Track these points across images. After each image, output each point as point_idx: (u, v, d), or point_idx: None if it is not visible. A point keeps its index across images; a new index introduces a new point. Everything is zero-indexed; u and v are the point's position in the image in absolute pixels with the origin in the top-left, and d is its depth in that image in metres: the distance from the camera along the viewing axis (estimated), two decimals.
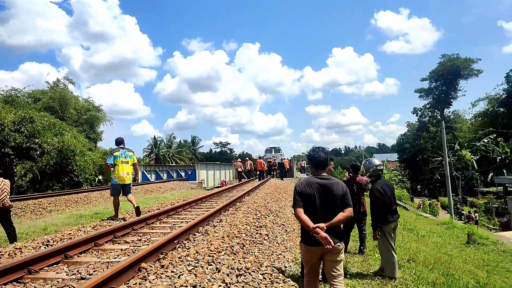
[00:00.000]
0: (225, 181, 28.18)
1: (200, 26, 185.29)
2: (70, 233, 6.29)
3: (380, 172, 5.57)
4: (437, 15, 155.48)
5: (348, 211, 3.33)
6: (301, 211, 3.32)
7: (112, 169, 8.24)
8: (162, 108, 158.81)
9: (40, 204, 12.63)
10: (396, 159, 55.30)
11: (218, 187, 25.77)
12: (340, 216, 3.30)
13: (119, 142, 8.54)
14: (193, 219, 7.28)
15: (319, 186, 3.36)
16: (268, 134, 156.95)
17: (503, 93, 42.23)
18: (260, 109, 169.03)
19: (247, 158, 30.43)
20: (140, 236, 6.08)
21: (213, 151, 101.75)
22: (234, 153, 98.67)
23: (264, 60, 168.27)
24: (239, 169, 26.58)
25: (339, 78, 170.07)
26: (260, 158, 28.59)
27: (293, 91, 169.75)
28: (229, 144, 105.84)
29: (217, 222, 7.20)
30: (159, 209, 9.50)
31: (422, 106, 51.88)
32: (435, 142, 44.64)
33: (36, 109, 28.94)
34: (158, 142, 65.55)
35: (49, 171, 24.57)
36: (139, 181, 29.58)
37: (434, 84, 50.82)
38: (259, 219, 8.06)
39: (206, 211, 8.95)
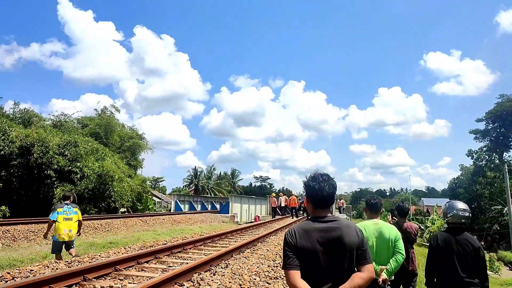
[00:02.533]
0: (259, 217, 26.91)
1: (248, 63, 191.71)
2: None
3: (463, 221, 3.72)
4: (491, 57, 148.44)
5: (368, 270, 2.15)
6: (296, 275, 2.11)
7: (53, 225, 7.49)
8: (207, 140, 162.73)
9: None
10: None
11: (251, 222, 24.60)
12: (357, 279, 2.11)
13: (66, 197, 8.01)
14: (194, 260, 6.26)
15: (322, 234, 2.15)
16: (310, 171, 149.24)
17: None
18: (303, 145, 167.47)
19: (281, 193, 29.10)
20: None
21: (252, 185, 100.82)
22: (273, 188, 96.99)
23: (309, 97, 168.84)
24: (273, 205, 25.29)
25: (385, 118, 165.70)
26: (292, 194, 27.18)
27: (337, 129, 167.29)
28: (269, 178, 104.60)
29: (221, 267, 6.12)
30: (165, 243, 8.58)
31: (478, 149, 47.89)
32: (493, 188, 40.56)
33: (83, 134, 30.05)
34: (199, 173, 65.98)
35: (87, 195, 24.86)
36: (172, 211, 29.29)
37: (491, 125, 47.00)
38: (276, 267, 6.81)
39: (218, 250, 7.91)
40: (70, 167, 23.79)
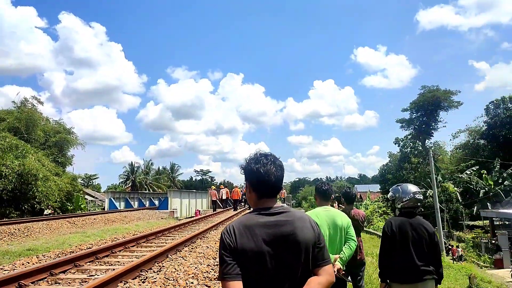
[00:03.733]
0: (199, 211, 26.23)
1: (186, 54, 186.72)
2: None
3: (419, 204, 3.56)
4: (412, 52, 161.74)
5: (327, 273, 1.75)
6: (236, 286, 1.64)
7: None
8: (144, 135, 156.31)
9: None
10: (379, 190, 54.31)
11: (192, 217, 23.91)
12: (315, 285, 1.70)
13: None
14: (122, 265, 5.59)
15: (269, 230, 1.69)
16: None
17: (483, 125, 42.35)
18: (243, 138, 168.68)
19: (222, 186, 28.71)
20: None
21: (193, 179, 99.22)
22: (215, 181, 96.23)
23: (248, 90, 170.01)
24: (213, 198, 24.82)
25: (320, 110, 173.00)
26: (235, 186, 26.99)
27: (275, 121, 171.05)
28: (210, 172, 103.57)
29: (153, 272, 5.53)
30: (90, 247, 7.73)
31: (404, 137, 51.65)
32: (417, 173, 44.06)
33: None
34: (135, 169, 62.99)
35: (6, 196, 22.42)
36: (106, 209, 27.47)
37: (415, 114, 50.92)
38: (216, 265, 6.27)
39: (152, 251, 7.26)
40: None
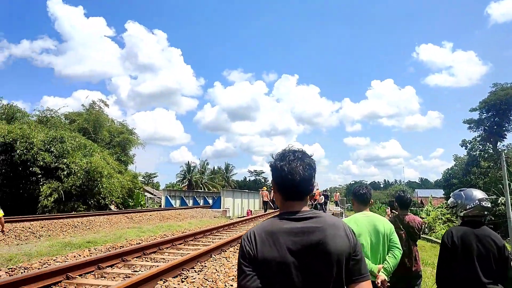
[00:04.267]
0: (251, 211, 26.42)
1: (241, 57, 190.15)
2: None
3: (486, 213, 3.04)
4: (482, 48, 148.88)
5: None
6: None
7: None
8: (201, 135, 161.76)
9: (44, 226, 11.66)
10: (442, 196, 50.61)
11: (243, 216, 24.14)
12: None
13: None
14: (166, 262, 5.66)
15: (295, 238, 1.48)
16: None
17: None
18: (297, 139, 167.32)
19: None
20: None
21: (247, 179, 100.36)
22: (268, 182, 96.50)
23: (302, 91, 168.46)
24: (265, 198, 24.80)
25: (378, 111, 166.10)
26: None
27: (331, 122, 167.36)
28: (263, 172, 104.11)
29: (195, 271, 5.53)
30: (139, 243, 7.98)
31: (472, 139, 47.57)
32: (487, 178, 40.37)
33: (70, 130, 29.30)
34: (192, 168, 65.27)
35: (75, 191, 24.28)
36: (162, 207, 28.70)
37: (485, 115, 46.64)
38: None
39: (198, 249, 7.32)
40: (56, 164, 23.16)
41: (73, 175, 23.53)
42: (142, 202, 34.32)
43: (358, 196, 3.39)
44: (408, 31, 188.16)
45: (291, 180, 1.52)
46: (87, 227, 12.90)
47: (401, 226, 4.29)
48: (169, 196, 28.70)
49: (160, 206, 30.26)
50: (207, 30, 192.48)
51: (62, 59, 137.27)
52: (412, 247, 4.29)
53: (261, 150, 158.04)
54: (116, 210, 24.68)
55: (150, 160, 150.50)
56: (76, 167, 23.68)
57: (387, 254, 3.15)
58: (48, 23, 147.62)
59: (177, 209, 24.79)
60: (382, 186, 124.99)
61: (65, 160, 23.66)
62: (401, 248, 3.20)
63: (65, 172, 23.44)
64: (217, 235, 10.49)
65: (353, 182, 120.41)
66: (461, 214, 3.08)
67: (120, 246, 7.84)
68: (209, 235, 10.37)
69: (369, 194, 3.42)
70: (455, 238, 2.91)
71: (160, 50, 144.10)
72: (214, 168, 74.80)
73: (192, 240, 9.19)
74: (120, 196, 29.51)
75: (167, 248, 7.70)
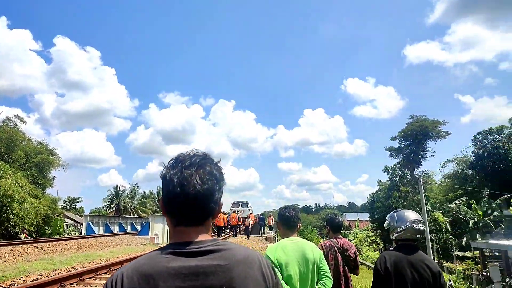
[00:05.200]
0: None
1: (178, 80, 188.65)
2: None
3: (419, 236, 2.80)
4: (400, 84, 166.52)
5: None
6: None
7: None
8: (133, 158, 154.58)
9: None
10: (368, 219, 53.57)
11: None
12: None
13: None
14: None
15: (182, 284, 1.01)
16: (240, 189, 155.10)
17: (471, 155, 42.60)
18: (233, 163, 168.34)
19: None
20: None
21: None
22: None
23: (239, 116, 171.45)
24: None
25: (310, 137, 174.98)
26: (223, 213, 26.07)
27: (265, 148, 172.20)
28: None
29: None
30: (37, 279, 6.88)
31: (393, 165, 51.64)
32: (406, 202, 43.75)
33: None
34: (120, 192, 61.36)
35: None
36: (83, 234, 26.20)
37: (403, 143, 51.05)
38: None
39: None
40: None
41: None
42: (61, 230, 31.13)
43: (285, 220, 3.03)
44: (338, 65, 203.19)
45: (181, 194, 1.07)
46: None
47: (335, 252, 4.08)
48: (92, 222, 26.31)
49: (81, 233, 27.62)
50: (144, 50, 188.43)
51: None
52: (347, 275, 4.08)
53: None
54: (26, 239, 21.92)
55: (75, 183, 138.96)
56: None
57: (317, 284, 2.82)
58: None
59: (99, 236, 22.73)
60: (313, 210, 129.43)
61: None
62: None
63: None
64: None
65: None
66: (393, 237, 2.89)
67: (10, 285, 6.62)
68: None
69: (297, 217, 3.06)
70: (388, 264, 2.67)
71: (92, 68, 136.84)
72: (145, 192, 71.29)
73: (106, 272, 8.18)
74: (34, 223, 26.49)
75: (71, 284, 6.66)
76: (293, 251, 2.79)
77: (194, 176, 1.09)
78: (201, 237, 1.10)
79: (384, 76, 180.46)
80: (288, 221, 3.02)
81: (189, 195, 1.07)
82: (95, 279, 7.28)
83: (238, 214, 27.17)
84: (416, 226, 2.75)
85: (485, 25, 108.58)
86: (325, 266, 2.90)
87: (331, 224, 4.33)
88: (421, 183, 23.99)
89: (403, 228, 2.77)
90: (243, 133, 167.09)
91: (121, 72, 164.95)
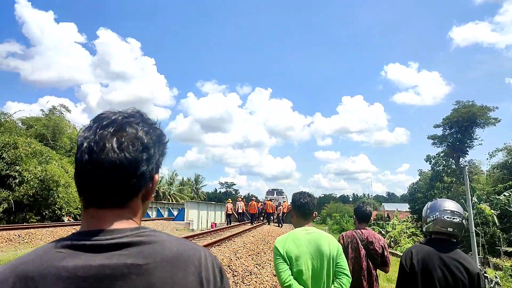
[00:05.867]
0: (215, 224, 25.60)
1: (215, 69, 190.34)
2: None
3: (451, 230, 2.32)
4: (446, 69, 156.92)
5: None
6: None
7: None
8: (172, 146, 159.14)
9: None
10: (408, 210, 51.67)
11: (208, 229, 23.28)
12: None
13: None
14: None
15: None
16: (276, 177, 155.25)
17: None
18: (269, 152, 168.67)
19: (239, 199, 28.00)
20: None
21: (217, 191, 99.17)
22: (239, 194, 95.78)
23: (276, 104, 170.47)
24: (229, 211, 24.03)
25: (349, 126, 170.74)
26: (255, 200, 26.09)
27: (302, 136, 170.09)
28: (234, 184, 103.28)
29: None
30: None
31: (436, 154, 49.11)
32: (449, 193, 41.60)
33: (26, 136, 27.64)
34: (160, 179, 63.46)
35: (27, 201, 22.74)
36: None
37: (448, 131, 48.43)
38: None
39: None
40: (7, 171, 21.66)
41: (25, 184, 22.04)
42: None
43: (299, 207, 2.69)
44: (377, 50, 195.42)
45: (89, 163, 0.78)
46: (25, 240, 11.67)
47: (359, 244, 3.70)
48: None
49: None
50: (182, 40, 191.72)
51: (29, 64, 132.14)
52: (371, 271, 3.66)
53: (234, 162, 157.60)
54: (69, 222, 23.18)
55: None
56: (29, 175, 22.20)
57: (333, 283, 2.48)
58: (15, 27, 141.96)
59: None
60: (351, 200, 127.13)
61: (18, 168, 22.18)
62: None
63: (17, 181, 21.94)
64: None
65: (323, 195, 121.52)
66: (424, 229, 2.49)
67: None
68: None
69: (312, 204, 2.71)
70: (414, 260, 2.29)
71: (133, 59, 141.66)
72: (183, 179, 73.28)
73: None
74: (79, 207, 28.02)
75: None
76: (306, 242, 2.48)
77: (109, 139, 0.79)
78: (118, 224, 0.80)
79: (428, 60, 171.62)
80: (302, 208, 2.69)
81: (100, 165, 0.77)
82: None
83: (273, 202, 27.08)
84: (447, 217, 2.30)
85: None
86: (343, 262, 2.55)
87: (357, 213, 3.98)
88: (466, 173, 22.48)
89: (432, 218, 2.37)
90: (280, 121, 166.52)
91: (160, 62, 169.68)
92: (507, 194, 32.84)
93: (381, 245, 3.78)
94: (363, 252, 3.69)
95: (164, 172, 67.64)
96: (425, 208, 2.54)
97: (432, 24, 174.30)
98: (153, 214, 29.34)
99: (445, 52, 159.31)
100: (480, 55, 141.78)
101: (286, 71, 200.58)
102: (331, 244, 2.52)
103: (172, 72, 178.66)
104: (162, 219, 27.23)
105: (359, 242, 3.74)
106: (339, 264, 2.51)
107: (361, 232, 3.81)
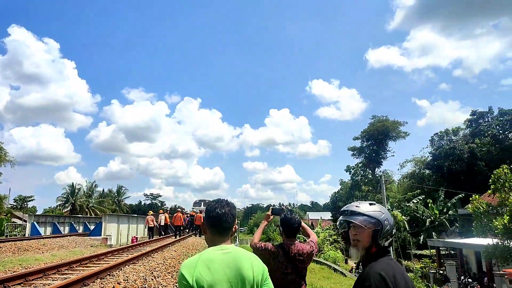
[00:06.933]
0: (136, 238, 23.80)
1: (143, 76, 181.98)
2: None
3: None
4: (363, 87, 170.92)
5: None
6: None
7: None
8: (94, 156, 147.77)
9: None
10: (330, 218, 54.19)
11: (127, 244, 21.49)
12: None
13: None
14: None
15: None
16: (204, 188, 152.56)
17: (428, 156, 44.10)
18: (198, 162, 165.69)
19: (161, 211, 26.57)
20: None
21: (142, 203, 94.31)
22: (165, 206, 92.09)
23: (205, 115, 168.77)
24: (150, 224, 22.55)
25: (275, 137, 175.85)
26: (180, 212, 24.94)
27: (231, 147, 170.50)
28: (160, 196, 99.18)
29: None
30: None
31: (355, 165, 52.58)
32: (367, 201, 44.48)
33: None
34: (77, 191, 58.18)
35: None
36: (27, 235, 24.18)
37: (365, 143, 52.21)
38: None
39: None
40: None
41: None
42: (8, 230, 28.70)
43: (213, 220, 1.98)
44: (303, 66, 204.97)
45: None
46: None
47: (285, 257, 3.16)
48: (37, 222, 24.24)
49: (24, 234, 25.49)
50: (107, 44, 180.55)
51: None
52: (301, 285, 3.17)
53: (160, 173, 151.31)
54: None
55: (29, 181, 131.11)
56: None
57: None
58: None
59: (43, 238, 20.95)
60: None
61: None
62: None
63: None
64: (75, 270, 8.47)
65: (251, 205, 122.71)
66: (383, 243, 2.02)
67: None
68: (66, 270, 8.31)
69: (231, 216, 2.00)
70: (390, 284, 1.73)
71: (50, 61, 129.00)
72: (103, 190, 68.17)
73: (42, 277, 7.08)
74: None
75: None
76: (223, 266, 1.85)
77: None
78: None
79: (347, 78, 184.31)
80: (218, 221, 1.97)
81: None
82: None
83: (201, 213, 26.16)
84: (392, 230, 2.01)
85: (441, 33, 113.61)
86: (271, 285, 1.96)
87: (285, 225, 3.32)
88: (383, 182, 24.12)
89: (391, 230, 1.95)
90: (209, 132, 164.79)
91: (82, 66, 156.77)
92: (415, 201, 36.14)
93: (306, 253, 3.35)
94: (291, 269, 3.26)
95: (81, 184, 62.32)
96: (384, 221, 1.94)
97: (352, 45, 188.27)
98: (65, 229, 26.39)
99: (362, 71, 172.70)
100: (392, 76, 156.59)
101: (216, 82, 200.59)
102: (255, 266, 1.92)
103: (95, 77, 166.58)
104: (75, 234, 24.59)
105: (285, 256, 3.30)
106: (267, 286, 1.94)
107: (289, 247, 3.23)
